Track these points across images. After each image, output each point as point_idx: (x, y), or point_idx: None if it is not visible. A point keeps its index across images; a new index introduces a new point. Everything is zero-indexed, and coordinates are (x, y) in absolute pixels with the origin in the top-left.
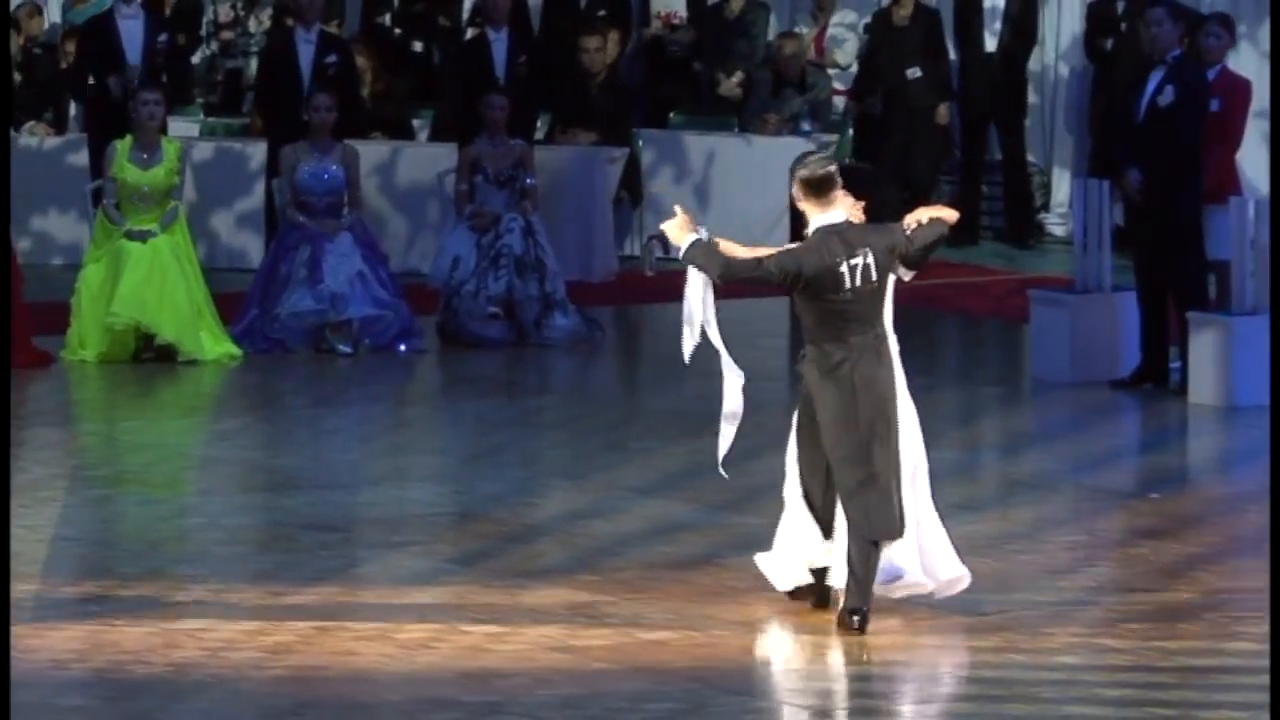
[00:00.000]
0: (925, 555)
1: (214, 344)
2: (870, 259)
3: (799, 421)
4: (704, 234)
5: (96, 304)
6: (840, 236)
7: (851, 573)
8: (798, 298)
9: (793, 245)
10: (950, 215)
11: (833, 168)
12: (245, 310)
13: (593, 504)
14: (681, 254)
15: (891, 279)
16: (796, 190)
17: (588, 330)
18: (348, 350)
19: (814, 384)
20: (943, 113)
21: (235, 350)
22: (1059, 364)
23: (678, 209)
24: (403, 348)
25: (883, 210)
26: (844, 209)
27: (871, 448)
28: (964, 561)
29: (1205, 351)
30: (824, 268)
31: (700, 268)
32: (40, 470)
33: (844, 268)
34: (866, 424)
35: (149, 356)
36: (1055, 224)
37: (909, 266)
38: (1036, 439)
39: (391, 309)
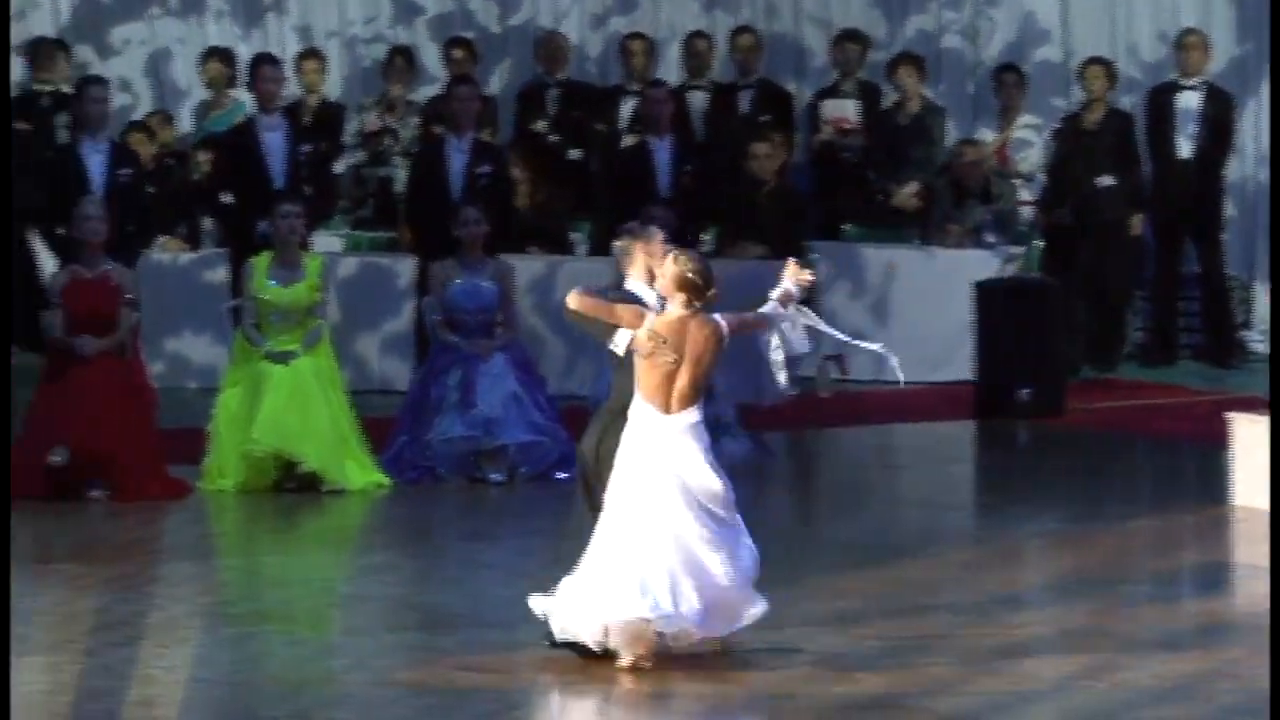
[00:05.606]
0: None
1: (360, 473)
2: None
3: None
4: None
5: (235, 430)
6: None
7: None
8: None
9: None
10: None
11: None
12: (394, 437)
13: (765, 639)
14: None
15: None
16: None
17: (759, 456)
18: (501, 479)
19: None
20: (1135, 224)
21: (383, 479)
22: (1263, 490)
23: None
24: (561, 475)
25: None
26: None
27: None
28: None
29: None
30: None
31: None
32: (177, 608)
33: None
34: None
35: (291, 486)
36: (1257, 341)
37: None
38: (1240, 571)
39: (549, 434)
